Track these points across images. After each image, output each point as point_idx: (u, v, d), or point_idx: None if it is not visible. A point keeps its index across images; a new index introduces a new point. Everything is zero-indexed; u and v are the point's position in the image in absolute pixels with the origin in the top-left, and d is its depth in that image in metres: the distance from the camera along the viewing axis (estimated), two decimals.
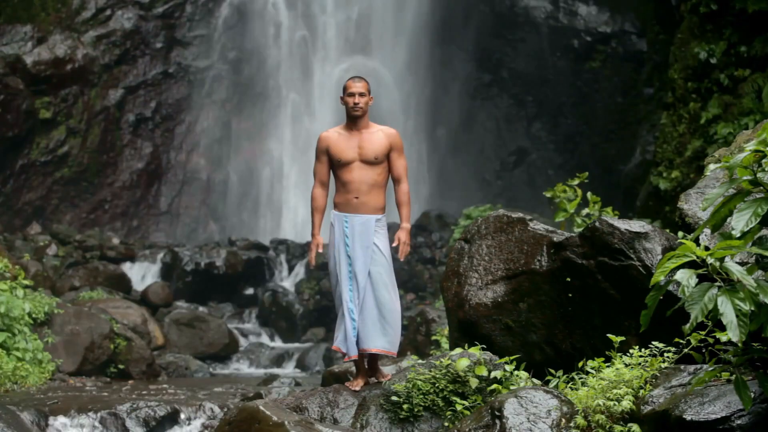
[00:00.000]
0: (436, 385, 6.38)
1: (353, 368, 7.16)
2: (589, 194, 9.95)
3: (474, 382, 6.34)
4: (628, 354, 6.12)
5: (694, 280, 4.55)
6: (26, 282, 13.13)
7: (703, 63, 15.30)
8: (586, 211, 9.87)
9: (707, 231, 6.29)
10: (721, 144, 13.72)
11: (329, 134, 6.88)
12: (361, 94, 6.79)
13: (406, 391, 6.37)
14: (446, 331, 9.47)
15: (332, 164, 6.82)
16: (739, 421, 4.94)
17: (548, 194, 10.10)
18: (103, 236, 21.98)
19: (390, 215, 7.31)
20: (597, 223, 6.86)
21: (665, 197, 15.45)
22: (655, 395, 5.55)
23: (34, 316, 12.68)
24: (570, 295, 6.90)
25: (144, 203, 24.98)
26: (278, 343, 18.50)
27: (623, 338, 6.28)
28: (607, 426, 5.51)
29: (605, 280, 6.74)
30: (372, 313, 6.62)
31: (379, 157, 6.74)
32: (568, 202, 9.84)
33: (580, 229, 7.46)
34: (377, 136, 6.80)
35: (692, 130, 15.58)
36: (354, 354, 6.64)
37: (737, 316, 4.40)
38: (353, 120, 6.82)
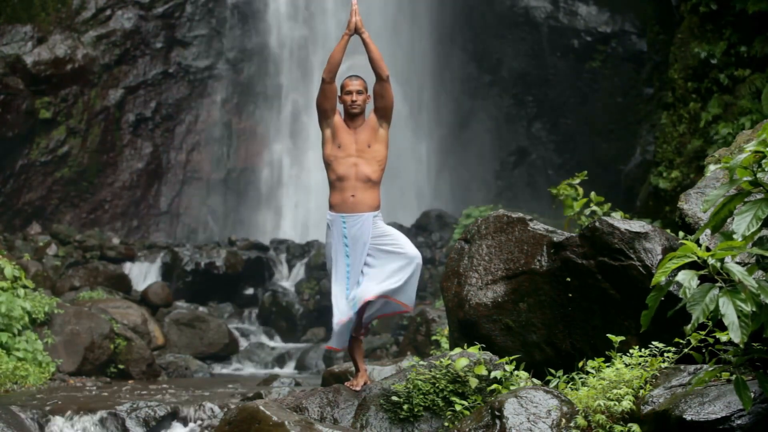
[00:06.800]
0: (436, 385, 6.37)
1: (353, 368, 7.15)
2: (592, 194, 9.96)
3: (474, 382, 6.33)
4: (628, 354, 6.12)
5: (695, 281, 4.55)
6: (26, 282, 13.12)
7: (703, 63, 15.31)
8: (592, 207, 9.87)
9: (707, 230, 6.29)
10: (721, 144, 13.72)
11: (337, 115, 6.87)
12: (359, 92, 6.81)
13: (406, 391, 6.37)
14: (446, 331, 9.47)
15: (329, 148, 6.79)
16: (739, 421, 4.94)
17: (553, 191, 10.12)
18: (103, 236, 21.98)
19: (387, 217, 7.29)
20: (597, 223, 6.87)
21: (665, 197, 15.46)
22: (655, 395, 5.55)
23: (34, 316, 12.68)
24: (570, 295, 6.90)
25: (144, 203, 24.98)
26: (278, 343, 18.49)
27: (623, 338, 6.28)
28: (607, 426, 5.51)
29: (605, 280, 6.74)
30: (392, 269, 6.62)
31: (371, 142, 6.75)
32: (573, 201, 9.85)
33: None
34: (366, 124, 6.81)
35: (692, 130, 15.59)
36: (350, 315, 6.56)
37: (738, 317, 4.40)
38: (351, 118, 6.83)
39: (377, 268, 6.62)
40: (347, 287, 6.64)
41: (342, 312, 6.56)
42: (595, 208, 9.79)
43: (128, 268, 20.25)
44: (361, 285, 6.58)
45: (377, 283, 6.55)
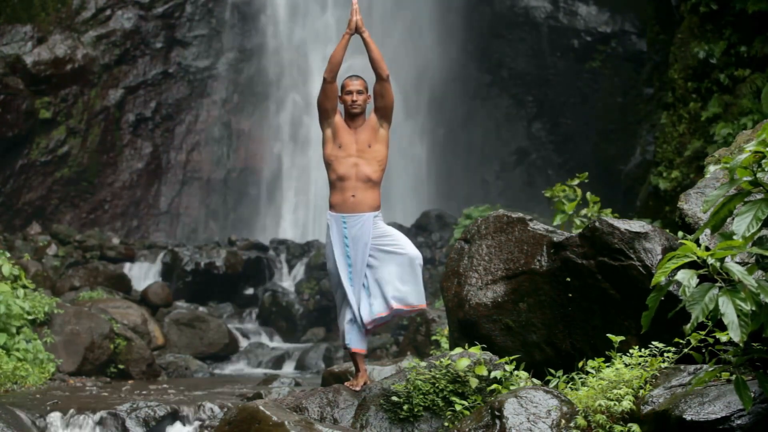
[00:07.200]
0: (436, 385, 6.37)
1: (353, 368, 7.15)
2: (588, 194, 9.96)
3: (474, 382, 6.33)
4: (628, 354, 6.12)
5: (695, 281, 4.54)
6: (26, 282, 13.12)
7: (703, 63, 15.30)
8: (584, 211, 9.87)
9: (707, 230, 6.29)
10: (721, 144, 13.72)
11: (338, 115, 6.89)
12: (359, 92, 6.83)
13: (406, 391, 6.36)
14: (446, 331, 9.47)
15: (329, 148, 6.80)
16: (739, 421, 4.94)
17: (547, 194, 10.11)
18: (103, 236, 21.98)
19: (387, 217, 7.29)
20: (597, 223, 6.86)
21: (665, 197, 15.45)
22: (655, 395, 5.54)
23: (34, 316, 12.67)
24: (570, 295, 6.90)
25: (144, 203, 24.98)
26: (278, 343, 18.49)
27: (623, 338, 6.28)
28: (607, 426, 5.50)
29: (605, 280, 6.74)
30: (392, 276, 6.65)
31: (372, 142, 6.76)
32: (567, 203, 9.85)
33: (580, 230, 7.45)
34: (367, 124, 6.82)
35: (692, 130, 15.58)
36: (363, 348, 6.76)
37: (738, 316, 4.39)
38: (351, 118, 6.85)
39: (380, 270, 6.63)
40: (351, 287, 6.65)
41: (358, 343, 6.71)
42: (588, 212, 9.79)
43: (128, 268, 20.26)
44: (369, 300, 6.62)
45: (384, 299, 6.62)
